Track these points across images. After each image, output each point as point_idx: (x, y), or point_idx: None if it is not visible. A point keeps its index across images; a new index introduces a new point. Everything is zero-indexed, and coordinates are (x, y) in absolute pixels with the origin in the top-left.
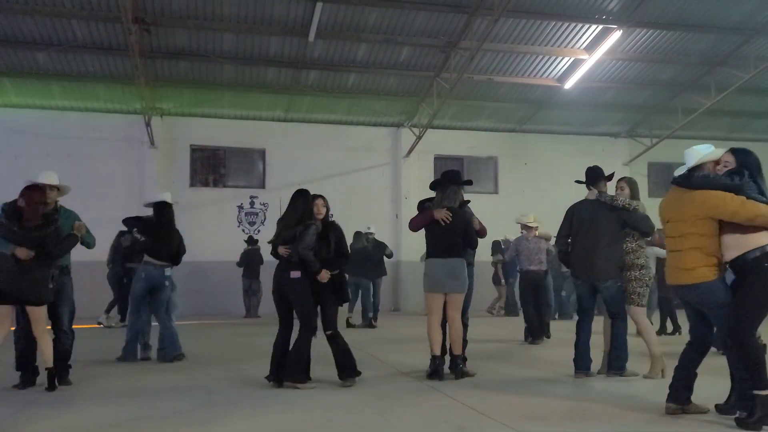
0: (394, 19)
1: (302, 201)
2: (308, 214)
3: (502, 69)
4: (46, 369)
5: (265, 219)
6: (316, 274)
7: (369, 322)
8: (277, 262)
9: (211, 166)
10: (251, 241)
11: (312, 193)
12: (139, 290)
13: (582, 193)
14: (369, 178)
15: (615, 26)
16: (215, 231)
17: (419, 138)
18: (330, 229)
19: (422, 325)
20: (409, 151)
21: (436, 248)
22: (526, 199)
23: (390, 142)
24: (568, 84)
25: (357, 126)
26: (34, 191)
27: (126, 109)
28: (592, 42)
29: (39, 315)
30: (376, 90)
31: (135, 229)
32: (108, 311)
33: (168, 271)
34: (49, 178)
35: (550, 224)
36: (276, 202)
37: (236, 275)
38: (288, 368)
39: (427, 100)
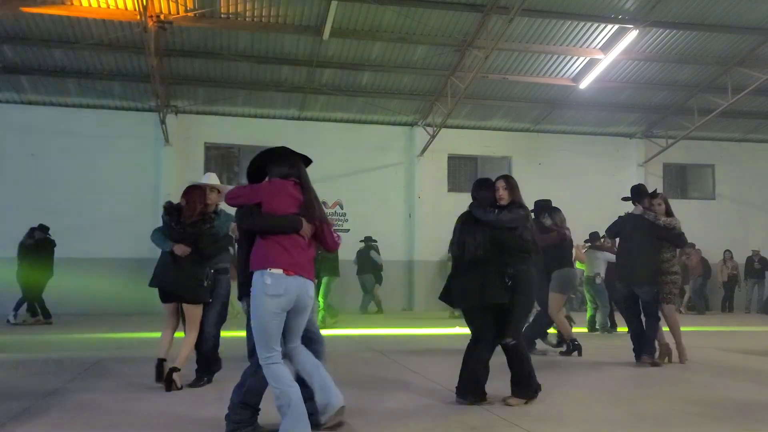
0: (408, 18)
1: (487, 195)
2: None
3: (516, 68)
4: (170, 368)
5: None
6: (497, 224)
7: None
8: None
9: (225, 164)
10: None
11: (328, 190)
12: None
13: (592, 194)
14: (382, 178)
15: (631, 26)
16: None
17: (433, 137)
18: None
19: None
20: (423, 151)
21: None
22: (541, 198)
23: (404, 141)
24: (584, 84)
25: (371, 125)
26: (195, 190)
27: (141, 107)
28: (608, 42)
29: (194, 314)
30: (390, 89)
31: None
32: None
33: None
34: (210, 179)
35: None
36: None
37: None
38: (522, 384)
39: (441, 99)
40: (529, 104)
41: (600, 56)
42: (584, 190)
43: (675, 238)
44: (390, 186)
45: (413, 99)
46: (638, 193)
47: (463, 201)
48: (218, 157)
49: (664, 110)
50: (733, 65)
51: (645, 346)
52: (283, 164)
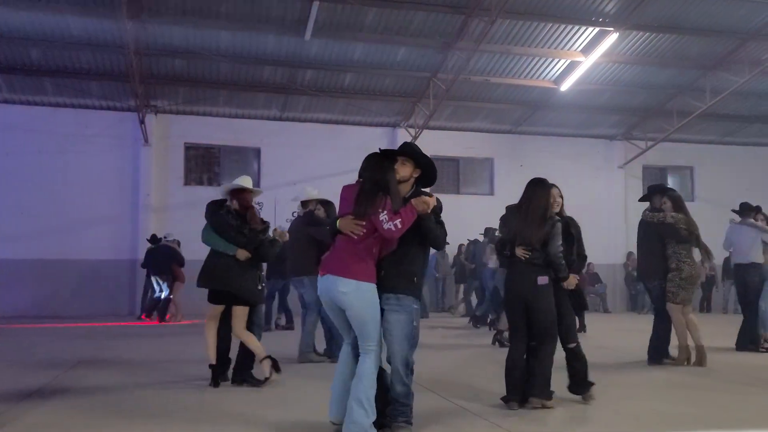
0: (391, 19)
1: (543, 192)
2: (548, 208)
3: (498, 70)
4: (269, 357)
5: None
6: (564, 279)
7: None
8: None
9: (205, 165)
10: (154, 240)
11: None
12: None
13: (573, 195)
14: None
15: (611, 29)
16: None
17: (415, 138)
18: (570, 226)
19: None
20: None
21: None
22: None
23: (386, 142)
24: (565, 86)
25: (353, 126)
26: (246, 194)
27: (120, 107)
28: (589, 44)
29: (244, 314)
30: (372, 90)
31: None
32: None
33: None
34: (247, 182)
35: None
36: (271, 201)
37: None
38: (535, 385)
39: (423, 100)
40: (510, 106)
41: (581, 59)
42: (565, 191)
43: (667, 233)
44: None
45: (395, 100)
46: (649, 192)
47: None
48: (198, 157)
49: (644, 113)
50: (711, 68)
51: (651, 348)
52: (361, 170)
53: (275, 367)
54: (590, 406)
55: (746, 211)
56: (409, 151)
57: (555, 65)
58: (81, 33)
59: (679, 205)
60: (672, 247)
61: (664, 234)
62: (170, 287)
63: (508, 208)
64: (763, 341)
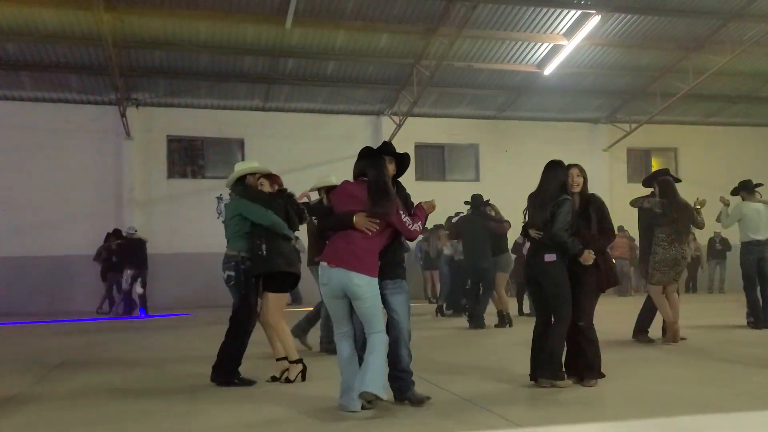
0: (372, 6)
1: (555, 174)
2: (562, 188)
3: (481, 56)
4: (296, 362)
5: None
6: (578, 255)
7: None
8: None
9: (189, 157)
10: (119, 235)
11: (295, 181)
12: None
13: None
14: (349, 168)
15: (593, 11)
16: (195, 222)
17: (399, 126)
18: (590, 202)
19: None
20: (390, 140)
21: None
22: (508, 186)
23: (370, 130)
24: (548, 70)
25: (337, 115)
26: (277, 177)
27: (100, 100)
28: (571, 27)
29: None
30: (355, 78)
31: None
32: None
33: None
34: (256, 164)
35: None
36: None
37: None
38: (543, 365)
39: (407, 87)
40: (494, 91)
41: (563, 42)
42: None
43: (640, 219)
44: (339, 179)
45: (379, 88)
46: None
47: (431, 189)
48: (182, 149)
49: (627, 95)
50: (694, 50)
51: (636, 324)
52: (357, 165)
53: (304, 373)
54: (590, 389)
55: (750, 189)
56: (393, 150)
57: (538, 49)
58: (57, 26)
59: (665, 190)
60: (654, 230)
61: (643, 219)
62: (145, 280)
63: (530, 195)
64: None
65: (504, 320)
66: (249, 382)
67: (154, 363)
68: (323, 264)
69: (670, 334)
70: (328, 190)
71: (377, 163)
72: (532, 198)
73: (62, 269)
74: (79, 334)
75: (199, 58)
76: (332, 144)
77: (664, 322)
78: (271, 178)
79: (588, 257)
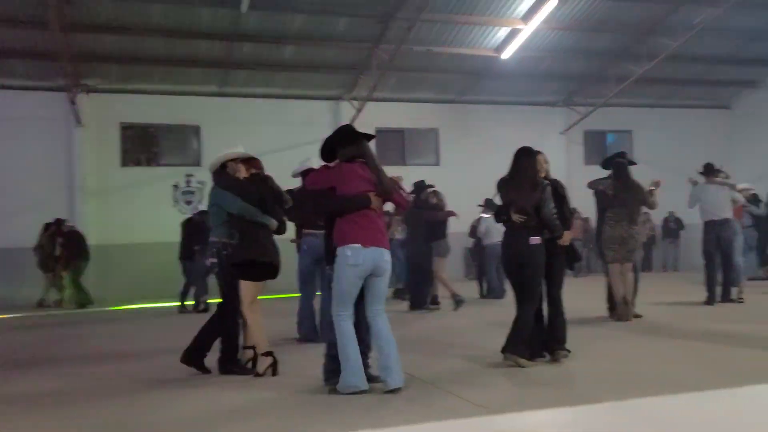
0: None
1: (534, 160)
2: (536, 175)
3: (440, 40)
4: (267, 354)
5: (202, 198)
6: (560, 237)
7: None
8: None
9: (143, 145)
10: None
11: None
12: (307, 264)
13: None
14: (309, 154)
15: None
16: (151, 211)
17: (359, 111)
18: (558, 187)
19: None
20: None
21: None
22: (468, 170)
23: (330, 115)
24: (506, 54)
25: (295, 100)
26: (258, 162)
27: (48, 86)
28: (529, 11)
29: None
30: (313, 63)
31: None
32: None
33: None
34: (241, 149)
35: (492, 194)
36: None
37: (174, 257)
38: (510, 342)
39: (366, 72)
40: (453, 75)
41: (521, 26)
42: (508, 158)
43: (599, 200)
44: (318, 162)
45: (338, 72)
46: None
47: (391, 174)
48: (136, 137)
49: (584, 79)
50: (647, 33)
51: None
52: (348, 146)
53: (274, 367)
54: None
55: (712, 171)
56: (371, 137)
57: (496, 33)
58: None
59: (618, 172)
60: (609, 214)
61: (599, 201)
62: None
63: (501, 180)
64: (739, 293)
65: (458, 302)
66: (248, 371)
67: (99, 359)
68: (354, 246)
69: (619, 312)
70: (305, 174)
71: (368, 146)
72: (512, 183)
73: (11, 261)
74: (26, 330)
75: (152, 43)
76: (292, 130)
77: (613, 299)
78: (249, 162)
79: (567, 237)
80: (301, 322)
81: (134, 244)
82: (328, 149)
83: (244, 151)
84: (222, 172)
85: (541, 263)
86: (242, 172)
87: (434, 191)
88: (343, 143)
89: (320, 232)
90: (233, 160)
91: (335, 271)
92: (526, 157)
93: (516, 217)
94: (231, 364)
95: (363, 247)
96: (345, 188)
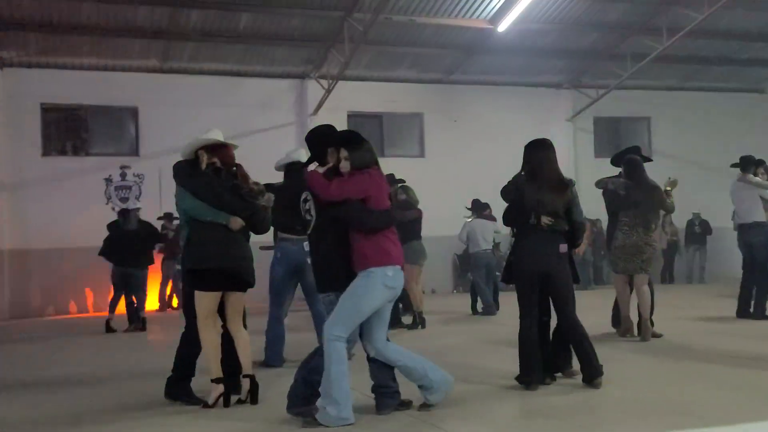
0: None
1: (552, 156)
2: (559, 169)
3: (425, 8)
4: (245, 377)
5: (140, 193)
6: (578, 246)
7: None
8: None
9: (69, 130)
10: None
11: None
12: (280, 275)
13: (515, 153)
14: (268, 141)
15: None
16: (78, 210)
17: (329, 91)
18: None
19: None
20: (318, 108)
21: None
22: (458, 162)
23: (293, 96)
24: (502, 26)
25: (252, 78)
26: (229, 149)
27: None
28: None
29: (243, 303)
30: (274, 34)
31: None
32: None
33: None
34: (219, 135)
35: (487, 192)
36: (154, 172)
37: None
38: (585, 362)
39: (337, 45)
40: (440, 51)
41: None
42: (506, 149)
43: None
44: (278, 152)
45: (304, 46)
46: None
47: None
48: (60, 120)
49: (594, 56)
50: (668, 3)
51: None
52: (366, 151)
53: (227, 397)
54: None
55: (748, 165)
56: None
57: (490, 2)
58: None
59: (631, 170)
60: (618, 214)
61: (608, 202)
62: None
63: (516, 179)
64: None
65: (416, 321)
66: (197, 400)
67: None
68: (396, 267)
69: (623, 328)
70: (289, 167)
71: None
72: (535, 182)
73: None
74: None
75: (80, 8)
76: (247, 112)
77: (618, 313)
78: (214, 150)
79: (583, 247)
80: (269, 344)
81: (56, 249)
82: (323, 146)
83: (220, 135)
84: (189, 162)
85: (570, 273)
86: (203, 162)
87: (403, 186)
88: (358, 146)
89: (297, 237)
90: (202, 148)
91: (360, 288)
92: (544, 150)
93: (546, 220)
94: (179, 389)
95: (400, 269)
96: (381, 200)
